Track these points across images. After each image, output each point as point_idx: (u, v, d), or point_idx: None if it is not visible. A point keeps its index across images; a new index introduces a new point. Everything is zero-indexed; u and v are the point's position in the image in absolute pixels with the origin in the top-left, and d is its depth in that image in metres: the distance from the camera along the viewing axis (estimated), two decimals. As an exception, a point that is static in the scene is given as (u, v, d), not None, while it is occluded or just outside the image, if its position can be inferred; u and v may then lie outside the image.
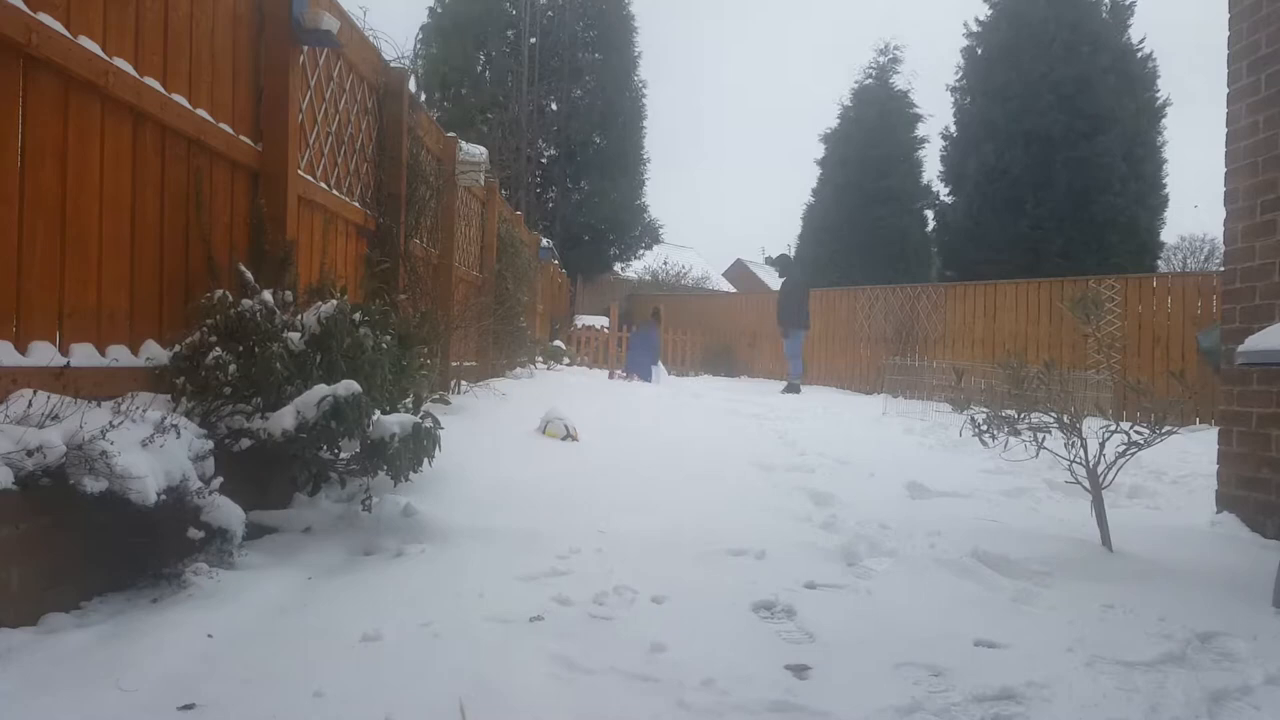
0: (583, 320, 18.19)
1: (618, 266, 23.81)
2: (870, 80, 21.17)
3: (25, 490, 1.81)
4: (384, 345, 3.07)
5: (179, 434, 2.14)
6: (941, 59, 20.34)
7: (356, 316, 3.02)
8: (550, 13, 20.93)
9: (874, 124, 20.28)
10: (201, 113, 2.82)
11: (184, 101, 2.71)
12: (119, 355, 2.44)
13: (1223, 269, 3.78)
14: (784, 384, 12.19)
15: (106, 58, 2.31)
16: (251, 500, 2.53)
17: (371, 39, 4.45)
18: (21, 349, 2.05)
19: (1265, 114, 3.48)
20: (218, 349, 2.57)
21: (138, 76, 2.46)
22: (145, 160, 2.55)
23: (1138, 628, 2.29)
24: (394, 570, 2.48)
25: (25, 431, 1.84)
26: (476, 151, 6.25)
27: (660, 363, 12.59)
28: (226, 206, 3.05)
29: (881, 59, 21.16)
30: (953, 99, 18.34)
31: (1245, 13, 3.62)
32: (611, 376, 11.51)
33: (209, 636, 1.87)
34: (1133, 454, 3.08)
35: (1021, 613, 2.42)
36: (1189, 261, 31.31)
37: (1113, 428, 3.07)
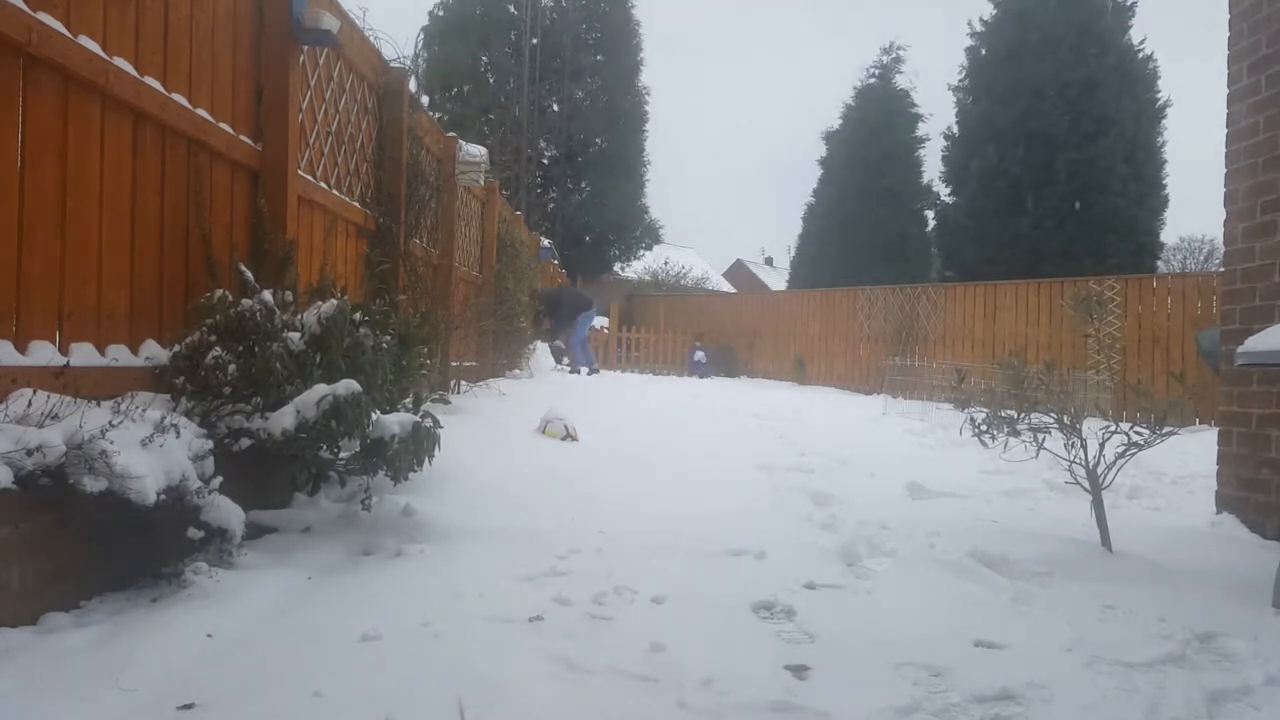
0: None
1: (618, 267, 23.79)
2: (873, 79, 21.18)
3: (25, 490, 1.81)
4: (384, 345, 3.07)
5: (179, 433, 2.14)
6: (942, 58, 20.35)
7: (356, 316, 3.02)
8: (553, 14, 20.92)
9: (876, 123, 20.29)
10: (201, 112, 2.82)
11: (184, 101, 2.71)
12: (119, 355, 2.44)
13: (1223, 269, 3.78)
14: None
15: (106, 57, 2.31)
16: (251, 500, 2.53)
17: (372, 39, 4.45)
18: (21, 348, 2.06)
19: (1265, 114, 3.48)
20: (217, 349, 2.57)
21: (138, 76, 2.46)
22: (145, 160, 2.55)
23: (1138, 628, 2.29)
24: (394, 570, 2.48)
25: (25, 431, 1.84)
26: (476, 151, 6.24)
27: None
28: (226, 206, 3.05)
29: (885, 58, 21.16)
30: (955, 99, 18.31)
31: (1245, 13, 3.62)
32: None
33: (209, 636, 1.87)
34: (1132, 454, 3.08)
35: (1021, 613, 2.42)
36: (1189, 262, 31.34)
37: (1112, 428, 3.07)
